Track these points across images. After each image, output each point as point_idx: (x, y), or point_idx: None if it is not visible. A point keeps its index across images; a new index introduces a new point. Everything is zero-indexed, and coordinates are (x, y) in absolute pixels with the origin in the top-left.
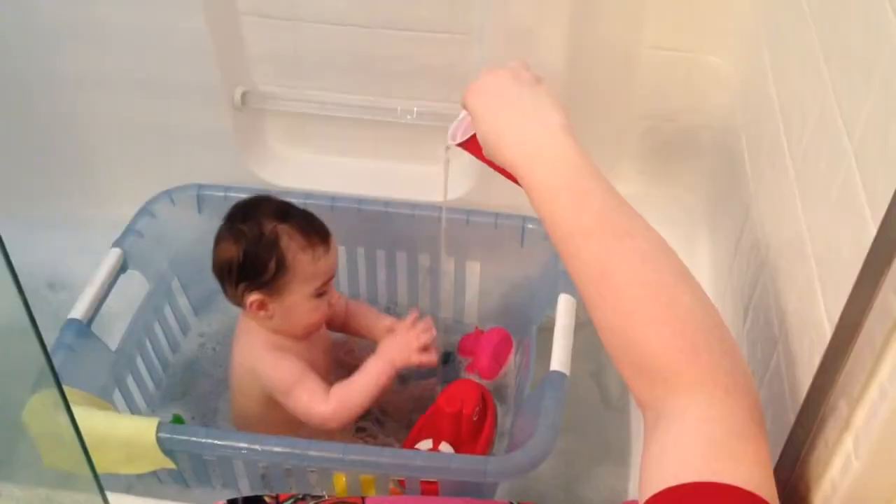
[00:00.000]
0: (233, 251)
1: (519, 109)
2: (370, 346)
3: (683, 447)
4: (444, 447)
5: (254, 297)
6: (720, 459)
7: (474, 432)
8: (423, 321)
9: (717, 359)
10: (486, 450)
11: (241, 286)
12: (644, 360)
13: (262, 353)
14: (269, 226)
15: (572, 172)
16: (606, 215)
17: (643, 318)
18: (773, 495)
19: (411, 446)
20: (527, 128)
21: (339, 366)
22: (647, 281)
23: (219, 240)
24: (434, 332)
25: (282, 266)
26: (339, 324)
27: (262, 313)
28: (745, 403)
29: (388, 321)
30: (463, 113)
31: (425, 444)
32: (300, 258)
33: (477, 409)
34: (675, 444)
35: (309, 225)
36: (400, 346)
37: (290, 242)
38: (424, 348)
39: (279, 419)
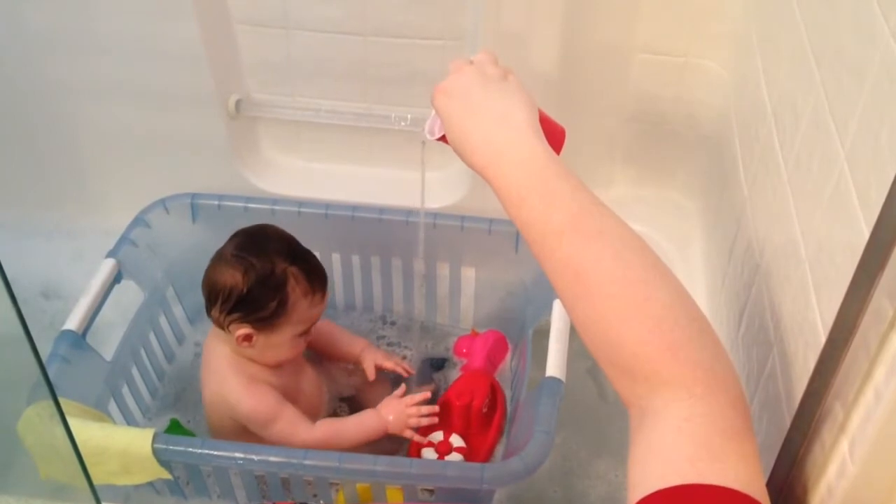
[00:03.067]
0: (238, 281)
1: (485, 111)
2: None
3: (668, 448)
4: (455, 439)
5: (243, 331)
6: (705, 460)
7: (484, 423)
8: (431, 407)
9: (697, 354)
10: (496, 440)
11: (234, 315)
12: (623, 360)
13: (235, 384)
14: (280, 265)
15: (540, 174)
16: (577, 215)
17: (619, 318)
18: (762, 491)
19: (420, 441)
20: (493, 130)
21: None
22: (621, 279)
23: (222, 263)
24: (437, 419)
25: (282, 308)
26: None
27: (244, 344)
28: (727, 398)
29: (360, 344)
30: None
31: (436, 437)
32: (300, 303)
33: (486, 400)
34: (659, 444)
35: (314, 271)
36: (400, 416)
37: (296, 286)
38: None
39: (257, 439)
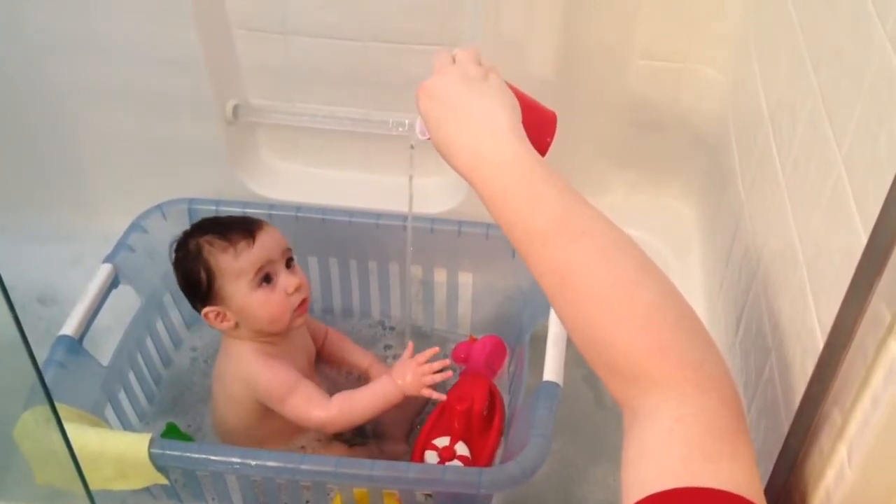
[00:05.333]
0: (178, 279)
1: (467, 114)
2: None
3: (660, 449)
4: (461, 447)
5: (206, 310)
6: (698, 461)
7: (484, 427)
8: (442, 361)
9: (686, 353)
10: (497, 444)
11: (197, 306)
12: (613, 360)
13: (254, 361)
14: (191, 243)
15: (522, 177)
16: (561, 217)
17: (606, 319)
18: (758, 492)
19: (424, 443)
20: (475, 135)
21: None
22: (607, 280)
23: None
24: (450, 373)
25: (210, 273)
26: (316, 349)
27: (224, 324)
28: (719, 397)
29: (369, 359)
30: None
31: (442, 441)
32: (222, 259)
33: (486, 404)
34: (652, 445)
35: (226, 226)
36: (414, 376)
37: (212, 248)
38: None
39: (270, 429)
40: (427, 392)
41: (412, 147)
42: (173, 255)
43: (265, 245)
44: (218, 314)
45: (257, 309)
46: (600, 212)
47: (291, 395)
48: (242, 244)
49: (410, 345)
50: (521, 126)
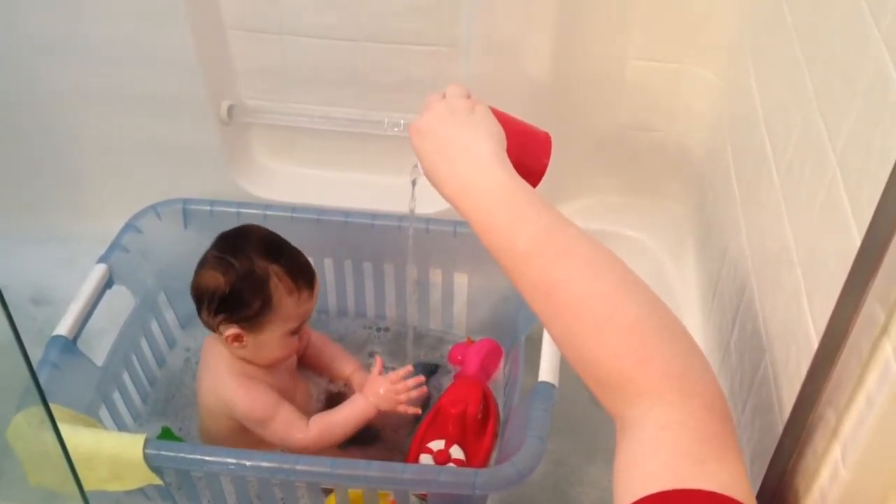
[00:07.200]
0: (219, 282)
1: (452, 146)
2: None
3: (648, 457)
4: (455, 451)
5: (232, 331)
6: (685, 465)
7: (478, 430)
8: (417, 378)
9: (671, 363)
10: (492, 447)
11: (221, 317)
12: (599, 373)
13: (231, 382)
14: (260, 264)
15: (505, 202)
16: (542, 238)
17: (591, 334)
18: (746, 492)
19: (419, 446)
20: (459, 163)
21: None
22: (592, 295)
23: (205, 265)
24: (425, 389)
25: (267, 306)
26: (298, 354)
27: (234, 344)
28: (702, 402)
29: (352, 365)
30: None
31: (436, 445)
32: (286, 301)
33: (480, 407)
34: (640, 454)
35: (299, 268)
36: (387, 393)
37: (279, 284)
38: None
39: (250, 441)
40: (402, 409)
41: (414, 182)
42: (226, 259)
43: (316, 299)
44: (238, 337)
45: (278, 350)
46: (580, 229)
47: (271, 421)
48: (306, 294)
49: (378, 360)
50: (504, 153)
